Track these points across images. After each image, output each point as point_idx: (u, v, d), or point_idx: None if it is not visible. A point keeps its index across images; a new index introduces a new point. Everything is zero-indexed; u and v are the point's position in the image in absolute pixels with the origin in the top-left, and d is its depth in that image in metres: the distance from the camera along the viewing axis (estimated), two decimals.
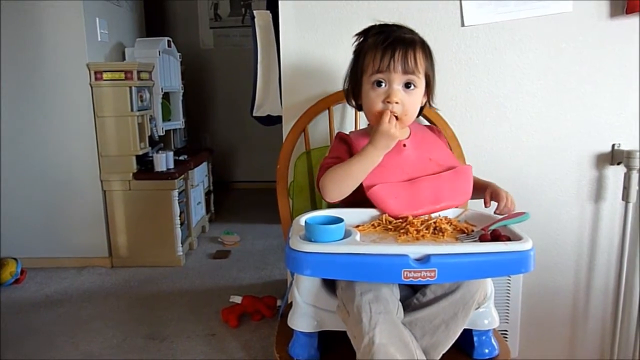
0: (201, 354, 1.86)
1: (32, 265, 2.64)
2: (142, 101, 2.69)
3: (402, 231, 1.00)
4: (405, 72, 1.07)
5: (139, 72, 2.61)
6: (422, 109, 1.18)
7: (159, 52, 2.85)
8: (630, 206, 1.48)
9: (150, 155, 2.77)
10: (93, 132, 2.61)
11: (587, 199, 1.54)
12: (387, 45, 1.07)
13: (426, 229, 1.00)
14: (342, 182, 1.08)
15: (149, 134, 2.79)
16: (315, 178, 1.21)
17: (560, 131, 1.49)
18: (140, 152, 2.68)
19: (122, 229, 2.73)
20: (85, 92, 2.57)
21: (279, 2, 1.45)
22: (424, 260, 0.87)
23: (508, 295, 1.53)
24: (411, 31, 1.13)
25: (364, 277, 0.92)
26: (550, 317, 1.62)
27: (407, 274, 0.86)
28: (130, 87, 2.58)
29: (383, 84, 1.08)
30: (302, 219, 1.02)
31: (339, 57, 1.45)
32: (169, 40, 2.99)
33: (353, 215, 1.07)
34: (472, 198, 1.19)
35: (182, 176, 2.83)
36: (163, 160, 2.70)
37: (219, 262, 2.82)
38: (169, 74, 3.05)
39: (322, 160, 1.18)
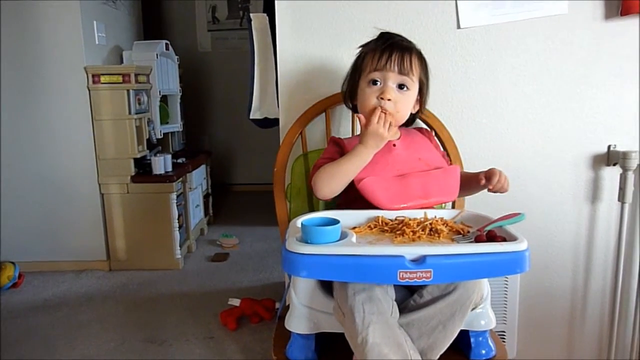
0: (199, 357, 1.86)
1: (30, 269, 2.64)
2: (140, 104, 2.69)
3: (398, 232, 1.00)
4: (401, 72, 1.14)
5: (136, 75, 2.61)
6: (414, 117, 1.25)
7: (157, 55, 2.85)
8: (627, 207, 1.49)
9: (149, 158, 2.77)
10: (91, 135, 2.61)
11: (584, 200, 1.54)
12: (385, 48, 1.15)
13: (422, 230, 1.00)
14: (333, 179, 1.12)
15: (147, 136, 2.79)
16: None
17: (556, 132, 1.50)
18: (138, 155, 2.67)
19: (120, 232, 2.72)
20: (83, 95, 2.57)
21: (276, 5, 1.45)
22: (420, 261, 0.87)
23: (505, 296, 1.54)
24: (409, 41, 1.21)
25: (360, 278, 0.93)
26: (547, 317, 1.63)
27: (403, 275, 0.87)
28: (128, 90, 2.58)
29: (379, 83, 1.15)
30: (299, 221, 1.03)
31: (336, 59, 1.45)
32: (166, 43, 2.99)
33: (349, 217, 1.08)
34: (470, 193, 1.21)
35: (181, 179, 2.83)
36: (161, 163, 2.70)
37: (218, 264, 2.82)
38: (166, 76, 3.06)
39: (316, 161, 1.22)
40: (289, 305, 1.11)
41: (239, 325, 2.06)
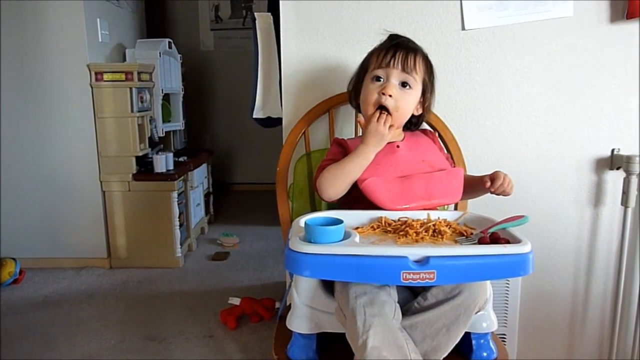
0: (199, 355, 1.85)
1: (31, 266, 2.64)
2: (142, 102, 2.69)
3: (401, 233, 1.00)
4: (404, 70, 1.15)
5: (139, 73, 2.61)
6: (418, 120, 1.26)
7: (160, 53, 2.85)
8: (629, 211, 1.49)
9: (150, 156, 2.77)
10: (93, 132, 2.61)
11: (587, 204, 1.54)
12: (391, 46, 1.17)
13: (425, 232, 1.00)
14: (337, 180, 1.13)
15: (149, 135, 2.79)
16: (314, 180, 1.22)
17: (560, 135, 1.50)
18: (140, 153, 2.68)
19: (121, 230, 2.72)
20: (85, 92, 2.57)
21: (280, 5, 1.45)
22: (423, 262, 0.87)
23: (506, 298, 1.53)
24: (416, 44, 1.22)
25: (363, 278, 0.92)
26: (548, 320, 1.63)
27: (406, 276, 0.87)
28: (131, 88, 2.58)
29: (382, 79, 1.16)
30: (302, 221, 1.03)
31: (340, 59, 1.45)
32: (169, 42, 2.99)
33: (352, 217, 1.08)
34: (475, 195, 1.21)
35: (182, 177, 2.83)
36: (163, 162, 2.70)
37: (218, 263, 2.82)
38: (169, 75, 3.06)
39: (320, 162, 1.23)
40: (290, 305, 1.11)
41: (239, 325, 2.06)
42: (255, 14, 1.69)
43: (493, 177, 1.11)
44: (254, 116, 1.81)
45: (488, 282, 1.06)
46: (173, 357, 1.84)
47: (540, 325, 1.63)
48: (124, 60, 2.94)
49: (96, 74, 2.55)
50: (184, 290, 2.44)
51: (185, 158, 3.07)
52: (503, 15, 1.43)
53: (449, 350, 1.00)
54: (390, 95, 1.13)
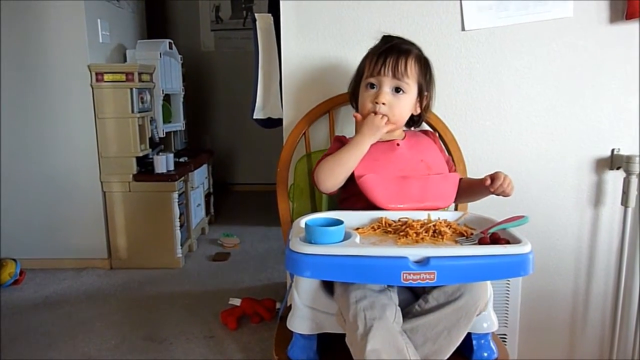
0: (200, 356, 1.85)
1: (31, 266, 2.64)
2: (142, 103, 2.70)
3: (401, 234, 1.00)
4: (395, 77, 1.16)
5: (140, 73, 2.62)
6: (418, 118, 1.26)
7: (160, 54, 2.86)
8: (630, 211, 1.49)
9: (151, 156, 2.77)
10: (93, 133, 2.61)
11: (587, 204, 1.54)
12: (381, 52, 1.17)
13: (425, 232, 1.00)
14: (333, 170, 1.15)
15: (150, 135, 2.79)
16: None
17: (560, 135, 1.50)
18: (141, 154, 2.68)
19: (121, 231, 2.73)
20: (86, 93, 2.57)
21: (281, 5, 1.45)
22: (424, 262, 0.87)
23: (507, 299, 1.53)
24: (411, 43, 1.22)
25: (364, 279, 0.93)
26: (549, 321, 1.63)
27: (406, 276, 0.87)
28: (131, 89, 2.58)
29: (375, 87, 1.17)
30: (302, 221, 1.03)
31: (340, 60, 1.45)
32: (170, 42, 2.99)
33: (352, 218, 1.08)
34: (476, 198, 1.21)
35: (182, 178, 2.83)
36: (163, 162, 2.71)
37: (219, 264, 2.82)
38: (169, 75, 3.06)
39: (320, 158, 1.24)
40: (290, 306, 1.11)
41: (240, 325, 2.06)
42: (256, 14, 1.69)
43: (493, 177, 1.12)
44: (255, 117, 1.81)
45: (488, 282, 1.06)
46: (173, 357, 1.84)
47: (541, 325, 1.63)
48: (125, 60, 2.94)
49: (97, 74, 2.56)
50: (185, 291, 2.44)
51: (186, 158, 3.07)
52: (503, 16, 1.43)
53: (450, 354, 1.00)
54: (383, 104, 1.15)
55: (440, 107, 1.43)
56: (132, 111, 2.60)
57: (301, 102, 1.48)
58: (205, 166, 3.41)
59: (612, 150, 1.49)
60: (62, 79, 2.57)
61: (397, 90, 1.16)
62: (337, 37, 1.46)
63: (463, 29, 1.45)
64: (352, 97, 1.28)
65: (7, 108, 2.59)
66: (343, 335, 1.00)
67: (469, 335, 1.06)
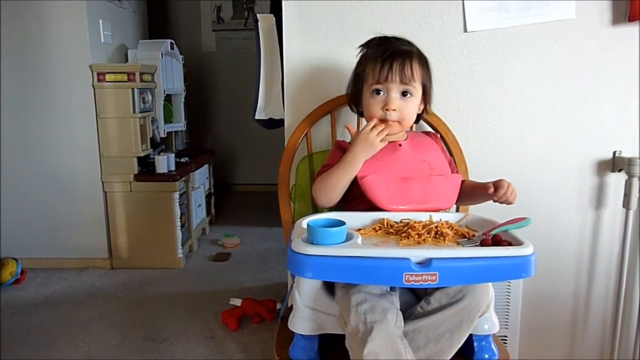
0: (200, 356, 1.85)
1: (32, 266, 2.64)
2: (144, 103, 2.70)
3: (403, 235, 1.00)
4: (402, 82, 1.15)
5: (141, 73, 2.62)
6: (419, 116, 1.26)
7: (162, 54, 2.86)
8: (631, 213, 1.49)
9: (152, 156, 2.77)
10: (95, 133, 2.61)
11: (588, 206, 1.54)
12: (385, 58, 1.15)
13: (427, 233, 1.00)
14: (328, 189, 1.16)
15: (151, 135, 2.79)
16: None
17: (562, 138, 1.50)
18: (142, 154, 2.68)
19: (122, 231, 2.73)
20: (87, 93, 2.57)
21: (283, 6, 1.45)
22: (426, 264, 0.87)
23: (508, 300, 1.53)
24: (409, 43, 1.21)
25: (366, 280, 0.93)
26: (550, 323, 1.62)
27: (408, 278, 0.87)
28: (133, 89, 2.58)
29: (382, 93, 1.16)
30: (304, 222, 1.03)
31: (342, 60, 1.45)
32: (171, 43, 2.99)
33: (354, 219, 1.08)
34: (477, 202, 1.21)
35: (183, 178, 2.83)
36: (164, 162, 2.71)
37: (219, 264, 2.82)
38: (171, 76, 3.06)
39: (319, 167, 1.25)
40: (291, 306, 1.11)
41: (240, 325, 2.06)
42: (258, 14, 1.69)
43: (497, 185, 1.11)
44: (256, 117, 1.81)
45: (490, 284, 1.06)
46: (174, 357, 1.84)
47: (542, 327, 1.63)
48: (126, 61, 2.94)
49: (98, 74, 2.56)
50: (185, 291, 2.44)
51: (187, 159, 3.07)
52: (505, 17, 1.43)
53: (452, 354, 1.00)
54: (394, 110, 1.14)
55: (441, 109, 1.43)
56: (134, 111, 2.61)
57: (303, 103, 1.48)
58: (206, 166, 3.41)
59: (614, 153, 1.49)
60: (64, 79, 2.57)
61: (405, 94, 1.16)
62: (339, 38, 1.46)
63: (465, 30, 1.45)
64: (353, 102, 1.26)
65: (8, 108, 2.59)
66: (344, 336, 1.00)
67: (470, 336, 1.06)
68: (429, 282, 0.87)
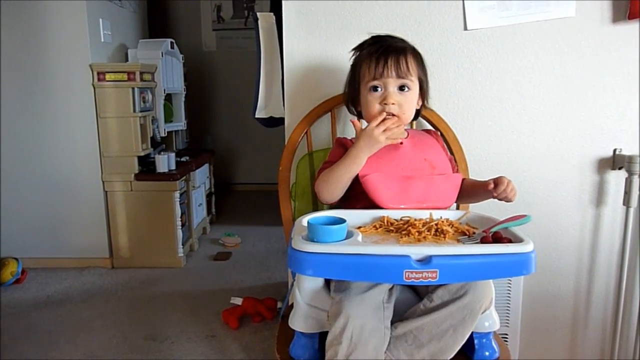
0: (201, 355, 1.86)
1: (33, 265, 2.65)
2: (144, 102, 2.70)
3: (403, 232, 1.00)
4: (399, 76, 1.15)
5: (141, 73, 2.62)
6: (418, 112, 1.26)
7: (162, 53, 2.86)
8: (631, 211, 1.49)
9: (152, 156, 2.77)
10: (95, 132, 2.62)
11: (588, 204, 1.54)
12: (380, 54, 1.15)
13: (428, 231, 1.00)
14: (331, 184, 1.15)
15: (151, 135, 2.79)
16: None
17: (562, 135, 1.50)
18: (142, 153, 2.68)
19: (123, 230, 2.73)
20: (88, 92, 2.58)
21: (283, 5, 1.45)
22: (426, 261, 0.87)
23: (509, 298, 1.53)
24: (402, 40, 1.21)
25: (366, 277, 0.93)
26: (550, 320, 1.63)
27: (408, 275, 0.87)
28: (133, 88, 2.59)
29: (379, 89, 1.16)
30: (305, 220, 1.03)
31: (342, 59, 1.45)
32: (171, 42, 2.99)
33: (355, 217, 1.08)
34: (477, 200, 1.21)
35: (184, 177, 2.83)
36: (165, 162, 2.71)
37: (220, 263, 2.82)
38: (171, 75, 3.06)
39: (321, 164, 1.24)
40: (292, 304, 1.11)
41: (241, 324, 2.07)
42: (258, 13, 1.69)
43: (497, 181, 1.11)
44: (256, 116, 1.82)
45: (491, 281, 1.06)
46: (175, 356, 1.85)
47: (542, 324, 1.63)
48: (126, 60, 2.95)
49: (98, 74, 2.56)
50: (186, 290, 2.44)
51: (187, 158, 3.07)
52: (505, 16, 1.43)
53: (455, 352, 1.00)
54: (393, 104, 1.14)
55: (442, 107, 1.43)
56: (134, 110, 2.61)
57: (303, 101, 1.48)
58: (206, 166, 3.41)
59: (614, 150, 1.49)
60: (64, 79, 2.57)
61: (402, 88, 1.16)
62: (339, 36, 1.46)
63: (465, 28, 1.45)
64: (351, 102, 1.26)
65: (8, 107, 2.59)
66: None
67: (470, 334, 1.06)
68: (430, 279, 0.87)
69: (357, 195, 1.16)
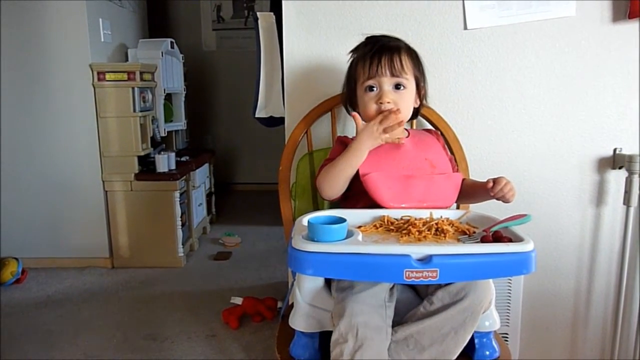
0: (201, 355, 1.86)
1: (33, 265, 2.65)
2: (144, 102, 2.70)
3: (403, 232, 1.00)
4: (393, 74, 1.16)
5: (141, 73, 2.62)
6: (417, 111, 1.26)
7: (162, 53, 2.86)
8: (632, 210, 1.49)
9: (152, 156, 2.77)
10: (95, 132, 2.62)
11: (589, 203, 1.54)
12: (374, 53, 1.16)
13: (428, 230, 1.00)
14: (332, 179, 1.15)
15: (151, 134, 2.79)
16: None
17: (562, 135, 1.50)
18: (142, 153, 2.68)
19: (123, 230, 2.73)
20: (88, 92, 2.58)
21: (283, 4, 1.45)
22: (426, 260, 0.87)
23: (509, 298, 1.53)
24: (397, 39, 1.22)
25: (367, 276, 0.93)
26: (550, 320, 1.62)
27: (409, 274, 0.86)
28: (133, 88, 2.59)
29: (375, 88, 1.17)
30: (305, 219, 1.03)
31: (342, 58, 1.44)
32: (171, 42, 2.99)
33: (355, 216, 1.08)
34: (477, 200, 1.21)
35: (184, 177, 2.84)
36: (165, 161, 2.71)
37: (220, 263, 2.82)
38: (171, 75, 3.06)
39: (322, 161, 1.24)
40: (292, 304, 1.11)
41: (241, 324, 2.07)
42: (258, 13, 1.69)
43: (496, 180, 1.11)
44: (257, 115, 1.82)
45: (491, 281, 1.06)
46: (175, 356, 1.85)
47: (543, 324, 1.63)
48: (126, 60, 2.95)
49: (98, 73, 2.56)
50: (186, 290, 2.44)
51: (187, 158, 3.07)
52: (505, 15, 1.43)
53: (457, 354, 1.00)
54: (388, 102, 1.15)
55: (442, 106, 1.43)
56: (134, 110, 2.61)
57: (303, 101, 1.48)
58: (206, 165, 3.41)
59: (614, 150, 1.49)
60: (64, 78, 2.57)
61: (397, 87, 1.16)
62: (339, 36, 1.46)
63: (465, 27, 1.45)
64: (348, 103, 1.27)
65: (8, 107, 2.59)
66: None
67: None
68: (430, 278, 0.87)
69: (357, 195, 1.17)
